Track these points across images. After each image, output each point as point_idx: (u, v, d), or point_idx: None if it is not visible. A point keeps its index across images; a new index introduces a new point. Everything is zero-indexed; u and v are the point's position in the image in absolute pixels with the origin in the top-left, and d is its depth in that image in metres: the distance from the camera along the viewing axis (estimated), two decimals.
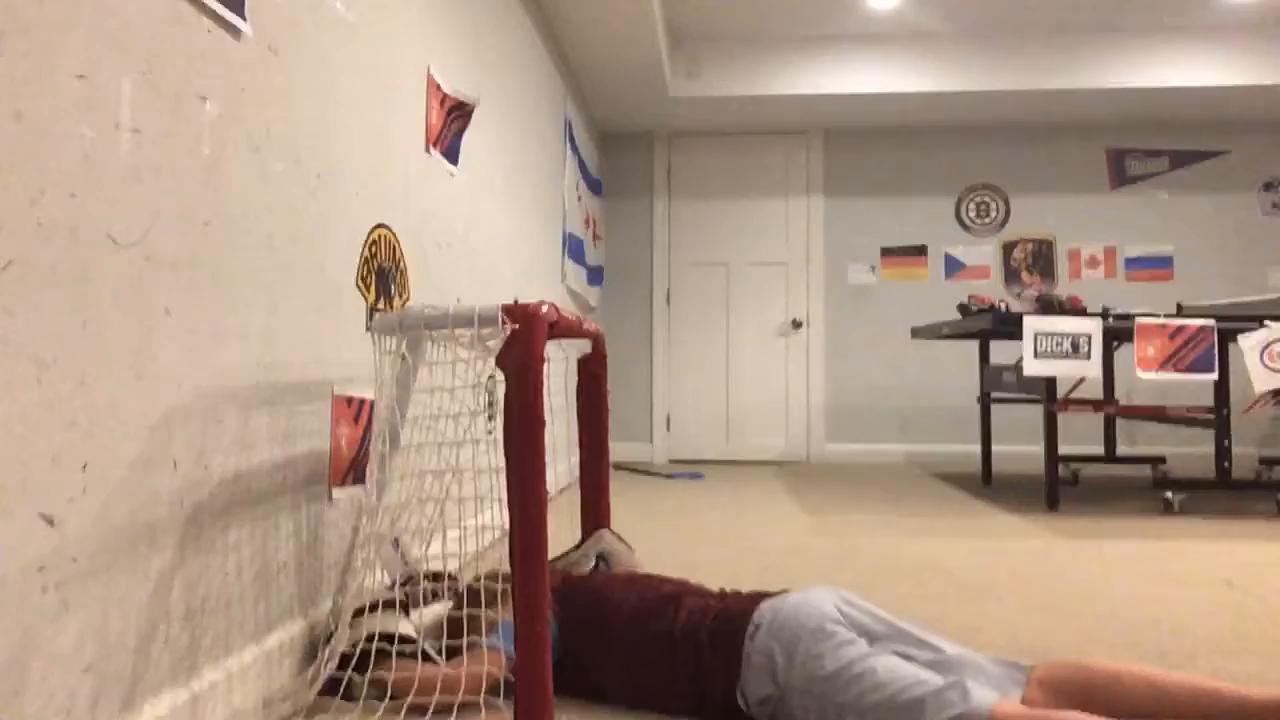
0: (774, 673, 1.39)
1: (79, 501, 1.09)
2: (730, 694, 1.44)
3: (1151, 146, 5.75)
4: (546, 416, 1.38)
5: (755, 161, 5.91)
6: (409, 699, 1.43)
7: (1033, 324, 3.60)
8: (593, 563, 2.02)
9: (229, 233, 1.42)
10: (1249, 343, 3.53)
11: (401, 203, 2.19)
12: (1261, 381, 3.49)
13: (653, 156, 5.95)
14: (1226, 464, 3.64)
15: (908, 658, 1.41)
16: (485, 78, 2.99)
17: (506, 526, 1.35)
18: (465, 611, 1.61)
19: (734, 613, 1.50)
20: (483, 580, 1.65)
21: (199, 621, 1.33)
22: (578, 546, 2.02)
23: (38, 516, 1.03)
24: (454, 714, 1.42)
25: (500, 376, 1.39)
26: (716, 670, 1.45)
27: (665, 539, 3.08)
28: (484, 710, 1.45)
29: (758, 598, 1.53)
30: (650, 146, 5.96)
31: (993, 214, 5.80)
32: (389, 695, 1.46)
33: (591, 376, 2.09)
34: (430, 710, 1.42)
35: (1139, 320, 3.60)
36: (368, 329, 1.96)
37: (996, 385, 4.42)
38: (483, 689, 1.48)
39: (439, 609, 1.74)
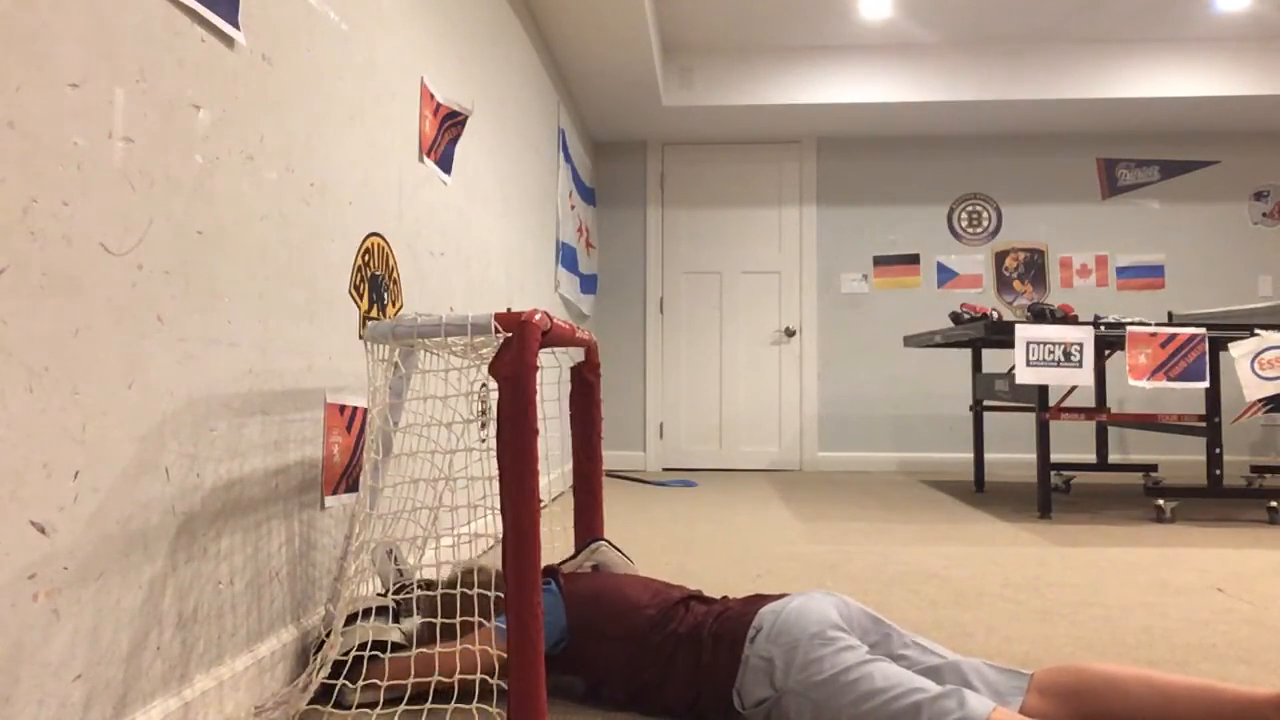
0: (771, 676, 1.40)
1: (70, 509, 1.09)
2: (726, 694, 1.45)
3: (1142, 156, 5.78)
4: (539, 425, 1.39)
5: (748, 171, 5.93)
6: (401, 707, 1.43)
7: (1025, 333, 3.62)
8: None
9: (222, 241, 1.42)
10: (1240, 351, 3.55)
11: (395, 211, 2.19)
12: (1253, 389, 3.51)
13: (646, 166, 5.97)
14: (1218, 472, 3.65)
15: (907, 663, 1.42)
16: (479, 87, 3.00)
17: (500, 534, 1.36)
18: (458, 619, 1.61)
19: (734, 615, 1.51)
20: (477, 581, 1.65)
21: (191, 629, 1.33)
22: (574, 556, 2.01)
23: (29, 524, 1.03)
24: (447, 719, 1.42)
25: (493, 384, 1.39)
26: (714, 671, 1.46)
27: (659, 546, 3.08)
28: (476, 716, 1.44)
29: (758, 601, 1.55)
30: (643, 156, 5.98)
31: (985, 223, 5.83)
32: (387, 680, 1.47)
33: (585, 384, 2.09)
34: (424, 714, 1.42)
35: (1130, 329, 3.62)
36: (361, 337, 1.97)
37: (989, 393, 4.44)
38: (478, 669, 1.49)
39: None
